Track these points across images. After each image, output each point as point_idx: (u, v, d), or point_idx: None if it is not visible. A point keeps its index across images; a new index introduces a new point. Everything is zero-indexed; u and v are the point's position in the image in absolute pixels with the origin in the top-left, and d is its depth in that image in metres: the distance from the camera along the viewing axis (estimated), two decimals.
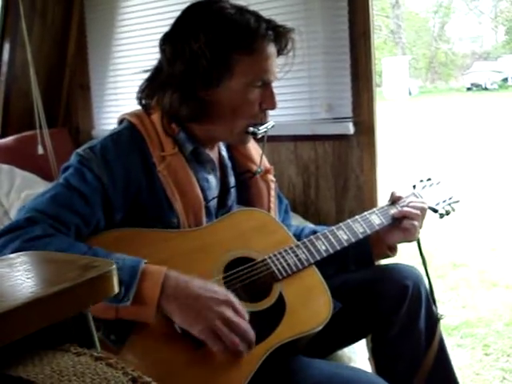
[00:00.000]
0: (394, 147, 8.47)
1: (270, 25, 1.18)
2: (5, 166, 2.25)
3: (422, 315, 1.29)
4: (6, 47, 2.44)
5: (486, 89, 21.81)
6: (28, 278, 0.53)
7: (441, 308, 1.34)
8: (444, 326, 1.46)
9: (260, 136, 1.23)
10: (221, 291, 1.02)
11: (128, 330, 1.00)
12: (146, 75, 1.25)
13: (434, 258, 3.74)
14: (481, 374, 2.20)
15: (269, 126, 1.23)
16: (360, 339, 1.44)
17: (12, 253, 0.93)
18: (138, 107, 1.25)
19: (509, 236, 4.22)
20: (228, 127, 1.21)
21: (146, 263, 1.00)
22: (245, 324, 1.00)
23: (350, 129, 2.02)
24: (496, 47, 28.17)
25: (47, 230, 1.02)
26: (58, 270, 0.57)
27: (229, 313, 0.98)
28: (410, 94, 22.24)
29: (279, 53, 1.23)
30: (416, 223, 1.33)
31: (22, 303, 0.47)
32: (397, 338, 1.29)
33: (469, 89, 22.41)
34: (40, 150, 2.35)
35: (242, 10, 1.18)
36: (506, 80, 22.56)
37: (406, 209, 1.35)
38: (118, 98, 2.57)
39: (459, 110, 15.17)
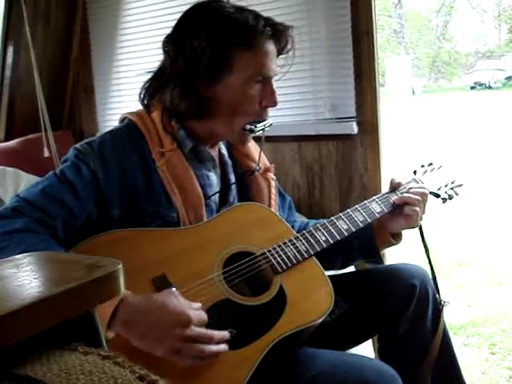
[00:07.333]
0: (398, 146, 8.46)
1: (268, 22, 1.20)
2: (10, 169, 2.26)
3: (428, 315, 1.29)
4: (10, 51, 2.45)
5: (489, 87, 21.75)
6: (35, 278, 0.53)
7: (446, 307, 1.33)
8: (450, 326, 1.46)
9: (258, 134, 1.23)
10: (178, 309, 0.96)
11: None
12: (149, 77, 1.26)
13: (439, 257, 3.73)
14: (487, 373, 2.19)
15: (266, 125, 1.24)
16: (367, 339, 1.45)
17: None
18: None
19: None
20: (228, 125, 1.22)
21: None
22: (205, 332, 0.97)
23: (354, 128, 2.02)
24: (499, 45, 28.08)
25: (30, 224, 1.03)
26: (64, 270, 0.57)
27: (187, 331, 0.95)
28: (413, 93, 22.19)
29: (279, 52, 1.24)
30: (417, 209, 1.32)
31: (30, 303, 0.47)
32: (404, 338, 1.28)
33: (472, 87, 22.35)
34: (46, 153, 2.36)
35: (240, 9, 1.21)
36: (509, 78, 22.51)
37: (406, 195, 1.34)
38: (121, 101, 2.58)
39: (463, 108, 15.13)
